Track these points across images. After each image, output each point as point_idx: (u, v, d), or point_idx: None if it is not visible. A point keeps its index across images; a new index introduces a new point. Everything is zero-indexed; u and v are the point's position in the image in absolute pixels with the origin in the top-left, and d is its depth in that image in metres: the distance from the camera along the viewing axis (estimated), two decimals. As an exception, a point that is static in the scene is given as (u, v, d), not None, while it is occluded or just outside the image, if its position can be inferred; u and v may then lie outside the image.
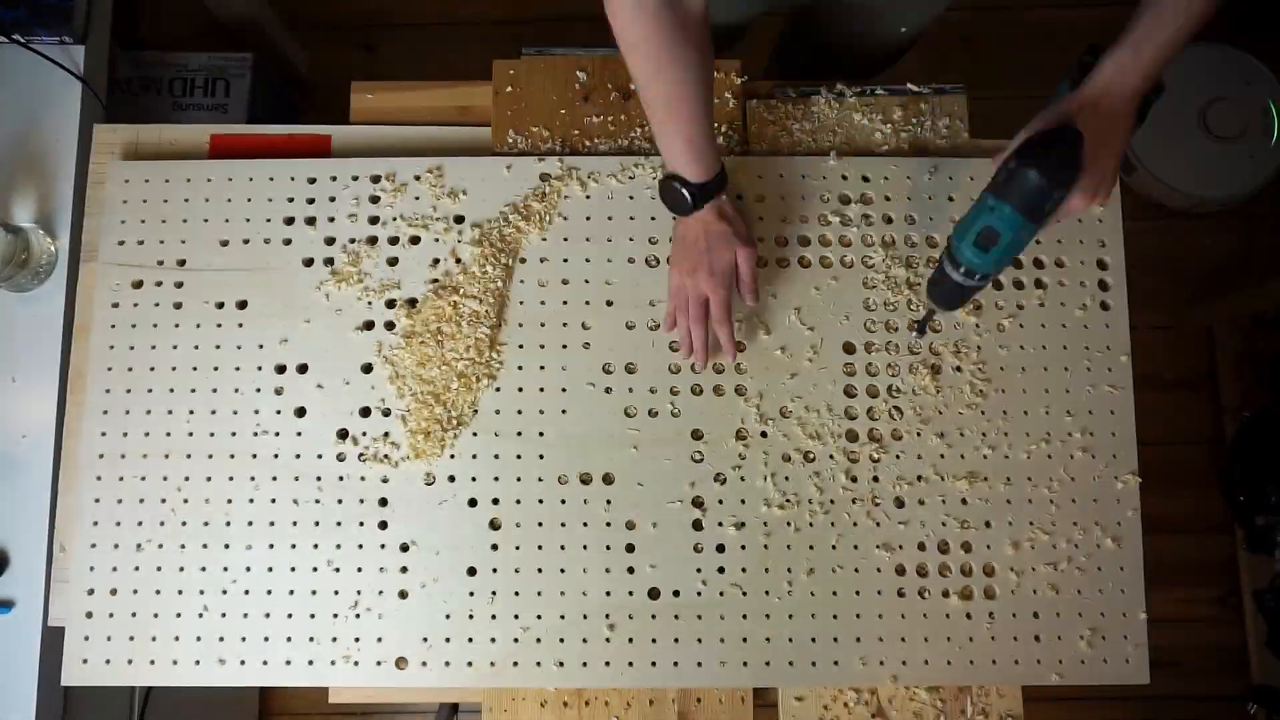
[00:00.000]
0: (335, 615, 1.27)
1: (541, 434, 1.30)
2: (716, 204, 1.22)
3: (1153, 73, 1.02)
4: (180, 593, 1.27)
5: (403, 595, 1.27)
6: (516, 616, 1.26)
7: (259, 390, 1.32)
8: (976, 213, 1.05)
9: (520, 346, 1.33)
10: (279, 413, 1.32)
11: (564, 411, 1.31)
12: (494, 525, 1.29)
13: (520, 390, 1.32)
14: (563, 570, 1.27)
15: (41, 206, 1.45)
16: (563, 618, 1.26)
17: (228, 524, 1.29)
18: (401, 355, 1.32)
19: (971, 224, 1.05)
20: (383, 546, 1.28)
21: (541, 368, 1.32)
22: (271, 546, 1.28)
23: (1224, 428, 2.53)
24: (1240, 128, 2.47)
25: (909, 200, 1.37)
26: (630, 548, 1.28)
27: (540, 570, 1.27)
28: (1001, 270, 1.11)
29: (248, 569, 1.28)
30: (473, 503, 1.29)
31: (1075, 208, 1.07)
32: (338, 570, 1.28)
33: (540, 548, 1.28)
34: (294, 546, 1.28)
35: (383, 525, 1.29)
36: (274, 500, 1.29)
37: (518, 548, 1.28)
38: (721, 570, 1.27)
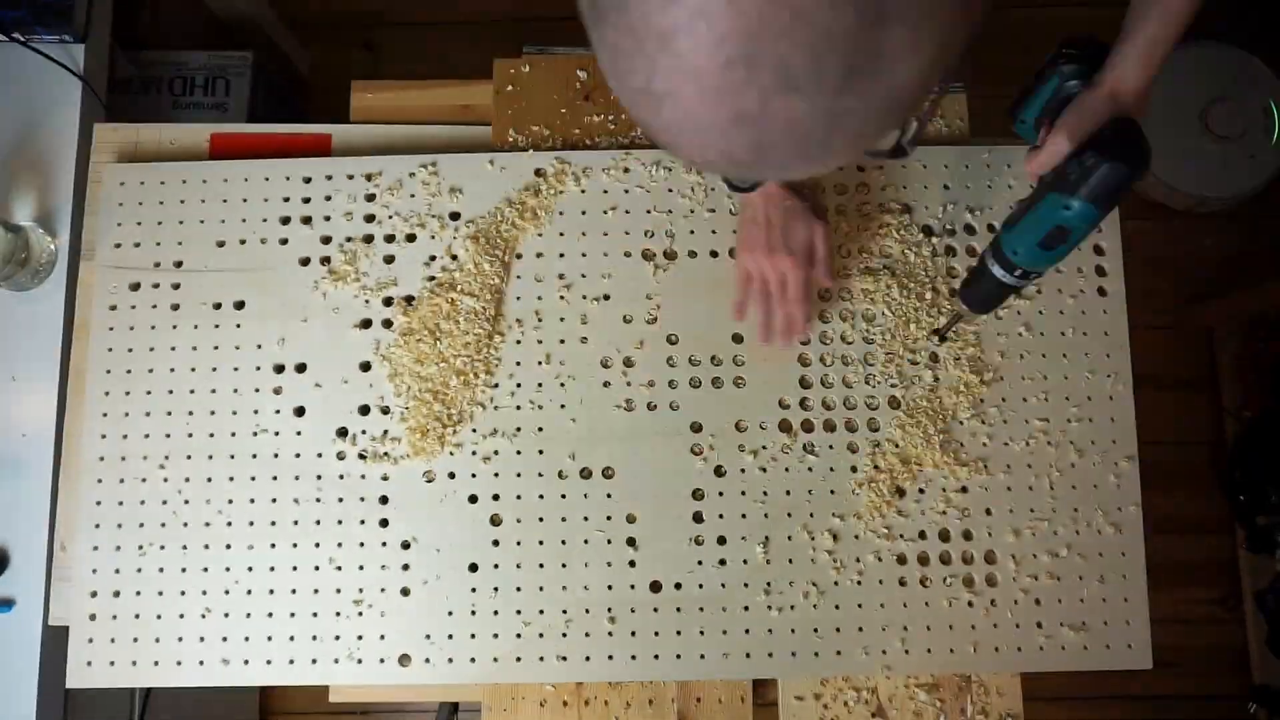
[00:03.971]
0: (337, 614, 1.26)
1: (540, 429, 1.30)
2: None
3: (1157, 69, 1.01)
4: (183, 593, 1.27)
5: (405, 593, 1.27)
6: (518, 612, 1.26)
7: (258, 390, 1.32)
8: (1045, 212, 1.01)
9: (518, 342, 1.33)
10: (278, 412, 1.32)
11: (563, 406, 1.31)
12: (494, 521, 1.29)
13: (519, 386, 1.32)
14: (564, 565, 1.27)
15: (41, 205, 1.45)
16: (564, 612, 1.26)
17: (229, 524, 1.29)
18: (399, 353, 1.32)
19: (1039, 224, 1.02)
20: (384, 544, 1.28)
21: (540, 363, 1.32)
22: (273, 546, 1.28)
23: (1224, 428, 2.53)
24: (1241, 127, 2.48)
25: (924, 189, 1.38)
26: (631, 541, 1.28)
27: (541, 565, 1.27)
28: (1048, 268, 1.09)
29: (249, 569, 1.28)
30: (473, 499, 1.29)
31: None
32: (339, 568, 1.28)
33: (541, 543, 1.28)
34: (295, 545, 1.28)
35: (383, 523, 1.29)
36: (274, 500, 1.29)
37: (519, 543, 1.28)
38: (723, 562, 1.27)
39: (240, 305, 1.35)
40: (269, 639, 1.26)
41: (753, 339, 1.32)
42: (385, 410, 1.31)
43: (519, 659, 1.25)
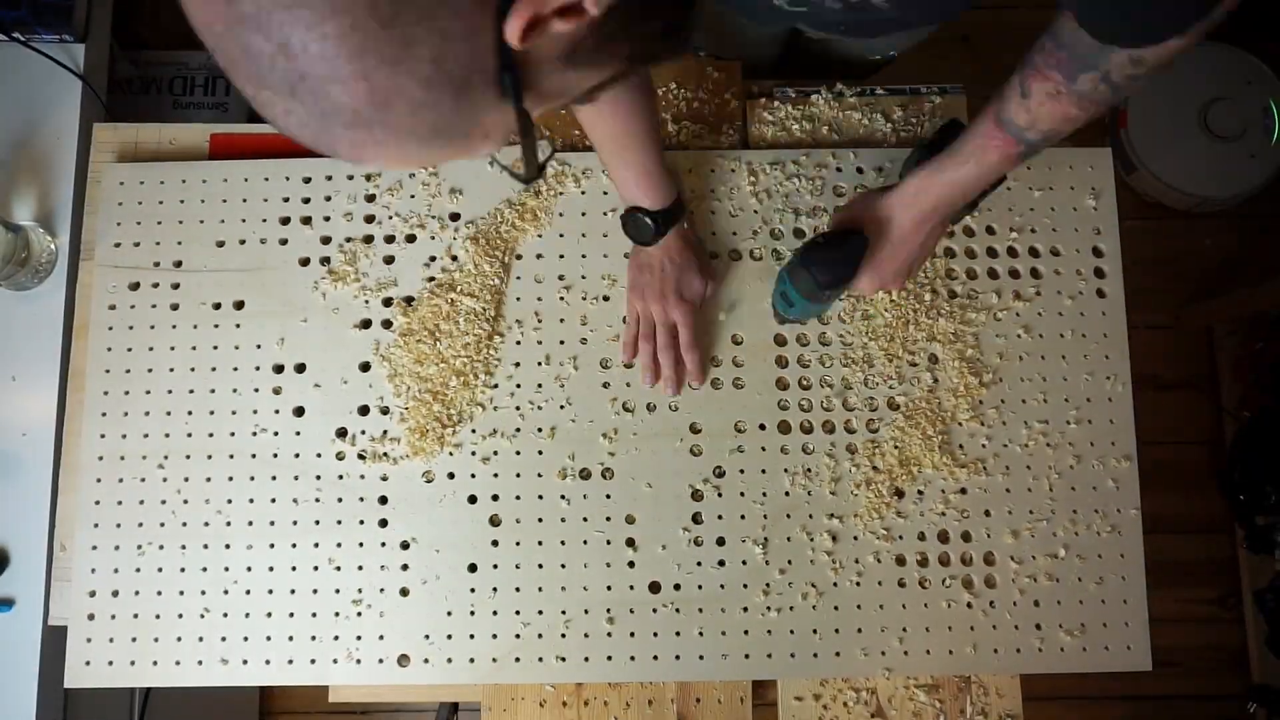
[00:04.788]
0: (337, 614, 1.26)
1: (540, 430, 1.30)
2: (679, 230, 1.25)
3: (948, 200, 1.08)
4: (181, 593, 1.27)
5: (404, 593, 1.27)
6: (518, 612, 1.26)
7: (257, 390, 1.32)
8: (778, 278, 1.22)
9: (517, 343, 1.33)
10: (278, 412, 1.32)
11: (562, 407, 1.31)
12: (494, 522, 1.29)
13: (518, 386, 1.32)
14: (563, 566, 1.27)
15: (41, 205, 1.45)
16: (564, 613, 1.26)
17: (228, 524, 1.29)
18: (399, 353, 1.32)
19: (777, 284, 1.22)
20: (383, 544, 1.28)
21: (539, 364, 1.32)
22: (272, 546, 1.28)
23: (1224, 428, 2.53)
24: (1241, 127, 2.48)
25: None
26: (630, 542, 1.28)
27: (540, 566, 1.27)
28: (806, 320, 1.30)
29: (248, 569, 1.28)
30: (472, 499, 1.29)
31: (863, 290, 1.17)
32: (338, 569, 1.28)
33: (540, 543, 1.28)
34: (294, 545, 1.28)
35: (383, 523, 1.29)
36: (274, 500, 1.29)
37: (518, 544, 1.28)
38: (722, 563, 1.27)
39: (240, 305, 1.35)
40: (268, 639, 1.26)
41: (752, 341, 1.32)
42: (385, 410, 1.31)
43: (518, 659, 1.25)
